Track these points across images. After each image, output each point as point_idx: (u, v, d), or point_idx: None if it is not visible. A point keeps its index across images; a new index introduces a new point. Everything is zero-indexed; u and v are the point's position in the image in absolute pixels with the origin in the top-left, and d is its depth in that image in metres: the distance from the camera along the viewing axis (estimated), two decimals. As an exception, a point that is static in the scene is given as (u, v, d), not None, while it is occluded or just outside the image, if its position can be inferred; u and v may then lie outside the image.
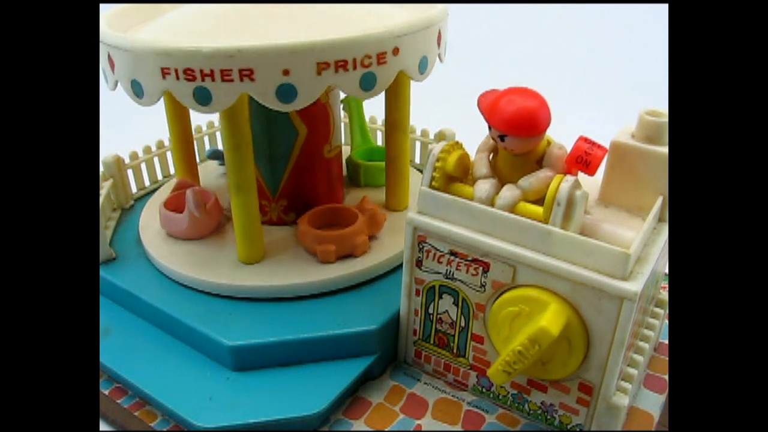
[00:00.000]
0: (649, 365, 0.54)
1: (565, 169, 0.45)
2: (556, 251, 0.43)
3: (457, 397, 0.51)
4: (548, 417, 0.48)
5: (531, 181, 0.45)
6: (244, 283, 0.53)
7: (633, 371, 0.48)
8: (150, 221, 0.62)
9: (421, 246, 0.48)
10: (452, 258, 0.47)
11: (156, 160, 0.68)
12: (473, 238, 0.45)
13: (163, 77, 0.45)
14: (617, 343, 0.43)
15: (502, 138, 0.43)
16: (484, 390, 0.50)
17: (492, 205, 0.45)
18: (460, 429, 0.48)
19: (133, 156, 0.66)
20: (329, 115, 0.60)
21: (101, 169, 0.61)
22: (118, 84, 0.50)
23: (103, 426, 0.49)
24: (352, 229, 0.56)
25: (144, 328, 0.54)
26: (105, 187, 0.60)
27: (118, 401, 0.51)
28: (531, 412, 0.49)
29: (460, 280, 0.47)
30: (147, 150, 0.68)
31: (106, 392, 0.51)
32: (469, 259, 0.46)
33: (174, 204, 0.60)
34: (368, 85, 0.48)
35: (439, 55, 0.54)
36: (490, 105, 0.44)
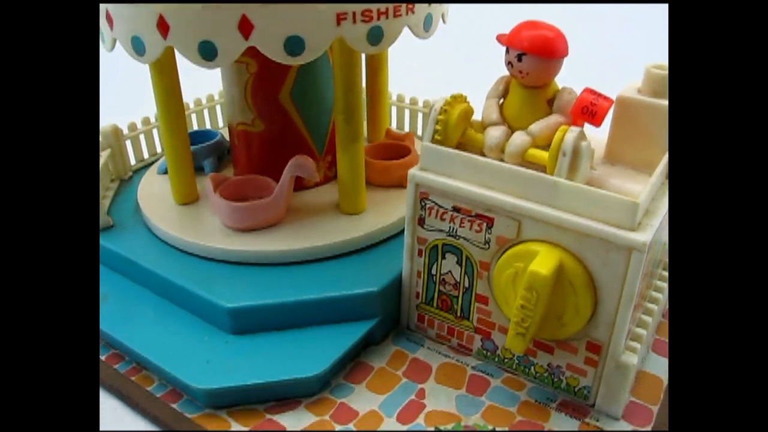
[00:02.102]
0: (658, 330, 0.53)
1: (572, 119, 0.44)
2: (562, 203, 0.42)
3: (462, 362, 0.50)
4: (555, 380, 0.47)
5: (541, 126, 0.44)
6: (243, 248, 0.52)
7: (642, 331, 0.46)
8: (149, 189, 0.61)
9: (423, 203, 0.47)
10: (455, 214, 0.46)
11: (155, 132, 0.67)
12: (477, 193, 0.44)
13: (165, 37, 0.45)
14: (626, 297, 0.41)
15: (519, 58, 0.43)
16: (488, 354, 0.49)
17: (502, 151, 0.44)
18: (464, 392, 0.47)
19: (132, 127, 0.65)
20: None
21: (100, 138, 0.61)
22: (117, 43, 0.49)
23: (101, 391, 0.48)
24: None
25: (141, 294, 0.53)
26: (103, 157, 0.59)
27: (115, 366, 0.50)
28: (537, 375, 0.47)
29: (463, 238, 0.46)
30: (146, 122, 0.67)
31: (103, 358, 0.50)
32: (473, 214, 0.45)
33: (233, 193, 0.57)
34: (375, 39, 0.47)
35: (443, 15, 0.53)
36: (510, 31, 0.45)
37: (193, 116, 0.73)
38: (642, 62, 0.47)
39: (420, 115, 0.74)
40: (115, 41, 0.49)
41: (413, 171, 0.46)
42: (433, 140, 0.46)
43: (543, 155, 0.43)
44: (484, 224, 0.45)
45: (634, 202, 0.40)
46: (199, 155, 0.62)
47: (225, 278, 0.51)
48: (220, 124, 0.77)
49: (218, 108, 0.76)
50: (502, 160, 0.45)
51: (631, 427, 0.45)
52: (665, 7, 0.41)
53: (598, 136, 0.48)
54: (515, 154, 0.44)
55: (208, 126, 0.75)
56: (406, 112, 0.75)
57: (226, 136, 0.65)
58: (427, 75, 0.89)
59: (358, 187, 0.56)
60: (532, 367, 0.47)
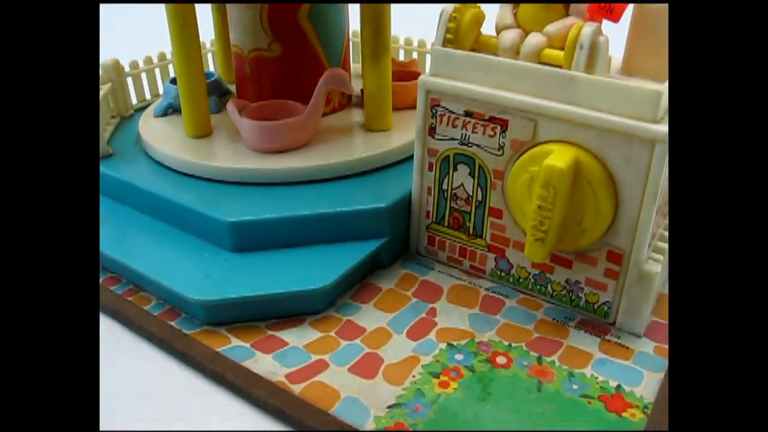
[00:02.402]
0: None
1: (588, 17, 0.42)
2: (580, 98, 0.40)
3: (474, 284, 0.47)
4: (573, 297, 0.44)
5: (557, 27, 0.42)
6: (246, 165, 0.50)
7: (664, 245, 0.44)
8: (151, 123, 0.59)
9: (434, 111, 0.45)
10: (468, 119, 0.44)
11: (157, 72, 0.66)
12: (491, 94, 0.42)
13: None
14: (649, 196, 0.39)
15: None
16: (502, 274, 0.47)
17: (517, 53, 0.42)
18: (477, 311, 0.45)
19: (134, 65, 0.63)
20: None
21: (100, 72, 0.59)
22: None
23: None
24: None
25: (140, 218, 0.51)
26: (103, 89, 0.57)
27: (111, 288, 0.48)
28: (554, 293, 0.45)
29: (476, 145, 0.44)
30: (148, 61, 0.65)
31: (100, 280, 0.48)
32: (486, 118, 0.43)
33: (256, 117, 0.54)
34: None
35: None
36: None
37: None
38: None
39: (415, 54, 0.74)
40: None
41: (423, 77, 0.44)
42: (444, 44, 0.44)
43: (559, 55, 0.41)
44: (498, 128, 0.43)
45: (657, 92, 0.37)
46: None
47: (227, 197, 0.49)
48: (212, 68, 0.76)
49: (210, 55, 0.75)
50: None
51: (653, 345, 0.42)
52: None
53: (615, 46, 0.47)
54: (531, 54, 0.42)
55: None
56: (401, 52, 0.75)
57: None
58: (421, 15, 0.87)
59: (386, 101, 0.55)
60: (549, 285, 0.45)
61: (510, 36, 0.43)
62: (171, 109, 0.60)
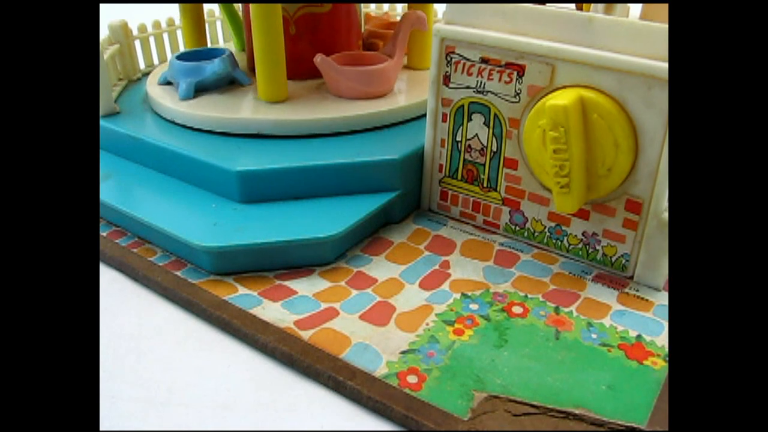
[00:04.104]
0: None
1: (607, -40, 0.41)
2: (599, 40, 0.39)
3: (488, 239, 0.46)
4: (590, 250, 0.43)
5: None
6: (263, 116, 0.50)
7: (685, 197, 0.43)
8: (158, 79, 0.58)
9: (449, 58, 0.44)
10: (483, 66, 0.43)
11: (166, 36, 0.65)
12: (507, 39, 0.41)
13: None
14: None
15: None
16: (517, 228, 0.46)
17: None
18: (492, 264, 0.44)
19: (142, 29, 0.63)
20: None
21: (107, 32, 0.58)
22: None
23: (101, 265, 0.45)
24: None
25: (147, 173, 0.50)
26: (110, 50, 0.57)
27: (116, 241, 0.46)
28: (570, 247, 0.44)
29: (491, 92, 0.43)
30: (156, 25, 0.64)
31: (104, 234, 0.47)
32: (503, 64, 0.42)
33: (357, 60, 0.56)
34: None
35: None
36: None
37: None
38: None
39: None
40: None
41: (438, 25, 0.44)
42: (460, -10, 0.43)
43: None
44: (515, 73, 0.42)
45: (680, 28, 0.37)
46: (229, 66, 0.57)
47: (235, 149, 0.48)
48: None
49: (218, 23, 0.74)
50: None
51: (674, 297, 0.41)
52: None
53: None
54: None
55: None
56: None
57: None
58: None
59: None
60: (566, 239, 0.44)
61: None
62: (169, 84, 0.57)
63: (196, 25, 0.62)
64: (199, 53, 0.58)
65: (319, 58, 0.52)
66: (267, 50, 0.50)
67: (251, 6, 0.49)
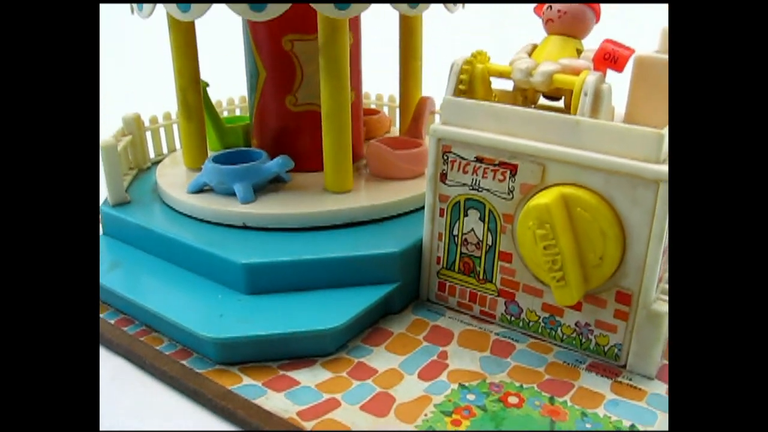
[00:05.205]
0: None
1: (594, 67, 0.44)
2: (586, 142, 0.42)
3: (485, 329, 0.48)
4: (583, 340, 0.45)
5: (570, 60, 0.44)
6: (263, 211, 0.52)
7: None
8: (167, 170, 0.61)
9: (445, 157, 0.46)
10: (478, 165, 0.45)
11: (175, 127, 0.68)
12: (500, 140, 0.44)
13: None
14: (655, 236, 0.40)
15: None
16: (512, 318, 0.47)
17: (531, 75, 0.44)
18: (488, 354, 0.45)
19: (153, 120, 0.66)
20: (294, 66, 0.58)
21: (121, 125, 0.61)
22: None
23: (108, 353, 0.47)
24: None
25: (155, 262, 0.52)
26: (123, 141, 0.59)
27: (124, 329, 0.48)
28: (564, 337, 0.45)
29: (486, 189, 0.45)
30: (167, 116, 0.68)
31: (112, 322, 0.49)
32: (496, 163, 0.44)
33: (399, 145, 0.60)
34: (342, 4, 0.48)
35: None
36: None
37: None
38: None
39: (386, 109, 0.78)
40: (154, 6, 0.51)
41: (435, 126, 0.46)
42: (456, 94, 0.46)
43: (570, 80, 0.43)
44: (508, 172, 0.44)
45: (659, 134, 0.39)
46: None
47: (240, 240, 0.50)
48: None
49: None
50: (527, 92, 0.47)
51: (665, 387, 0.42)
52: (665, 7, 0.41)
53: (617, 100, 0.49)
54: (545, 74, 0.44)
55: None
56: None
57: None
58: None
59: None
60: (559, 329, 0.45)
61: (524, 60, 0.45)
62: (207, 188, 0.56)
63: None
64: (230, 156, 0.58)
65: (376, 145, 0.58)
66: (338, 144, 0.53)
67: (324, 102, 0.52)
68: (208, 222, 0.53)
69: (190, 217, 0.54)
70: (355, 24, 0.59)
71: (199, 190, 0.56)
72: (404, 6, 0.51)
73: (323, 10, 0.48)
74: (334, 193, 0.55)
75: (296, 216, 0.51)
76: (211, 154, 0.58)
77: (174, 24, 0.55)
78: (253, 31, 0.58)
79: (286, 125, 0.60)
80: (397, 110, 0.78)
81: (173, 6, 0.48)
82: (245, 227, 0.52)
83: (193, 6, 0.48)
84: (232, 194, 0.54)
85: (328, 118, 0.53)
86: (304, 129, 0.60)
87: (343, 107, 0.53)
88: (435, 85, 0.72)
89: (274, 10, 0.47)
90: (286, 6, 0.47)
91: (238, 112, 0.77)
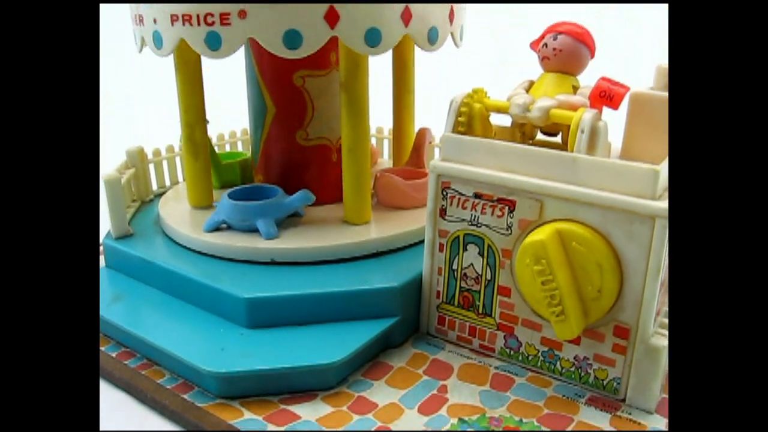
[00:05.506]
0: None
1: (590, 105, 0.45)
2: (583, 178, 0.42)
3: (484, 363, 0.48)
4: (582, 374, 0.45)
5: (567, 97, 0.45)
6: (290, 246, 0.52)
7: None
8: (170, 202, 0.62)
9: (445, 193, 0.47)
10: (477, 201, 0.46)
11: (177, 160, 0.69)
12: (499, 176, 0.45)
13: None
14: (652, 271, 0.41)
15: (555, 37, 0.47)
16: (512, 352, 0.47)
17: (528, 110, 0.45)
18: (488, 388, 0.45)
19: (156, 153, 0.67)
20: (305, 102, 0.60)
21: (124, 158, 0.62)
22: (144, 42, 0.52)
23: (109, 386, 0.47)
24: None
25: (157, 295, 0.52)
26: (127, 174, 0.60)
27: (125, 362, 0.48)
28: (563, 371, 0.46)
29: (485, 225, 0.46)
30: (170, 149, 0.69)
31: (114, 355, 0.49)
32: (495, 199, 0.45)
33: (406, 175, 0.62)
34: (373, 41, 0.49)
35: (452, 34, 0.56)
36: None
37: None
38: (641, 65, 0.49)
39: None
40: (177, 41, 0.50)
41: (435, 162, 0.47)
42: (455, 131, 0.47)
43: (566, 115, 0.44)
44: (506, 208, 0.45)
45: (655, 170, 0.40)
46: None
47: (242, 274, 0.50)
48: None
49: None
50: (525, 127, 0.48)
51: (665, 420, 0.42)
52: (665, 7, 0.41)
53: (613, 136, 0.49)
54: (542, 109, 0.45)
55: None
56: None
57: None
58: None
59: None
60: (558, 363, 0.46)
61: (522, 96, 0.46)
62: (225, 225, 0.56)
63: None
64: (245, 192, 0.58)
65: (389, 177, 0.60)
66: (359, 177, 0.55)
67: (345, 137, 0.54)
68: (220, 258, 0.53)
69: (191, 250, 0.55)
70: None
71: (216, 228, 0.55)
72: (425, 43, 0.53)
73: (355, 47, 0.49)
74: (354, 224, 0.56)
75: (325, 249, 0.52)
76: (224, 192, 0.58)
77: (181, 61, 0.55)
78: (261, 68, 0.59)
79: (295, 159, 0.61)
80: (386, 141, 0.81)
81: (201, 44, 0.48)
82: (259, 263, 0.52)
83: (224, 44, 0.48)
84: (251, 231, 0.54)
85: (351, 152, 0.54)
86: (313, 163, 0.61)
87: (364, 141, 0.54)
88: (425, 115, 0.74)
89: (308, 48, 0.48)
90: (322, 43, 0.48)
91: (239, 146, 0.78)
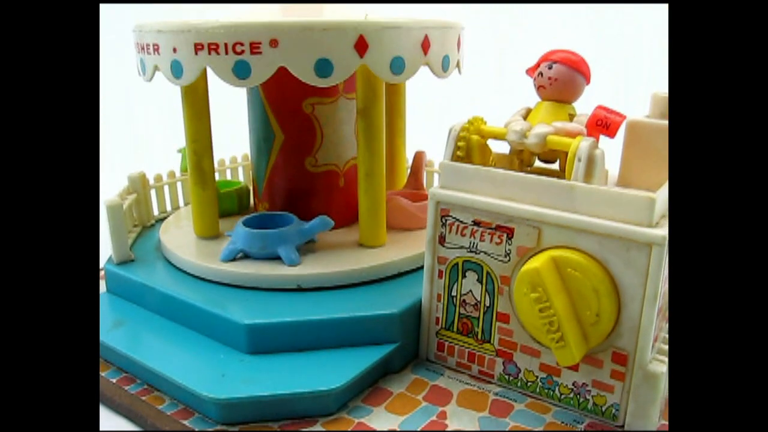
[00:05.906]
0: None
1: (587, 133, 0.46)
2: (580, 206, 0.43)
3: (483, 389, 0.48)
4: (581, 400, 0.45)
5: (564, 124, 0.46)
6: (315, 271, 0.53)
7: (667, 347, 0.45)
8: (170, 228, 0.62)
9: (444, 220, 0.47)
10: (476, 228, 0.46)
11: (179, 185, 0.70)
12: (497, 204, 0.45)
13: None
14: (649, 297, 0.41)
15: (550, 66, 0.48)
16: (511, 378, 0.48)
17: (525, 136, 0.45)
18: (487, 415, 0.45)
19: (158, 178, 0.67)
20: (314, 129, 0.61)
21: (126, 183, 0.63)
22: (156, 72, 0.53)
23: (110, 412, 0.47)
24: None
25: (158, 320, 0.53)
26: (129, 199, 0.61)
27: (126, 388, 0.48)
28: (562, 397, 0.46)
29: (484, 252, 0.46)
30: (171, 175, 0.69)
31: (114, 381, 0.49)
32: (493, 227, 0.46)
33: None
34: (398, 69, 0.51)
35: (458, 62, 0.57)
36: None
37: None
38: (641, 65, 0.50)
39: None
40: (203, 70, 0.50)
41: (434, 189, 0.48)
42: (454, 158, 0.48)
43: (564, 141, 0.45)
44: (505, 235, 0.45)
45: (651, 198, 0.41)
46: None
47: (242, 300, 0.51)
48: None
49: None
50: (522, 154, 0.49)
51: (663, 448, 0.43)
52: (665, 7, 0.42)
53: (610, 164, 0.50)
54: (539, 135, 0.45)
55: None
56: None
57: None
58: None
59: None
60: (557, 389, 0.46)
61: (519, 123, 0.47)
62: (241, 255, 0.56)
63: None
64: (258, 220, 0.58)
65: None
66: (375, 202, 0.56)
67: (363, 162, 0.55)
68: (208, 280, 0.54)
69: (191, 275, 0.55)
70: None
71: (234, 258, 0.55)
72: (440, 70, 0.54)
73: (381, 75, 0.50)
74: (369, 247, 0.57)
75: (349, 273, 0.53)
76: (237, 220, 0.58)
77: (189, 89, 0.55)
78: (268, 95, 0.60)
79: (303, 186, 0.62)
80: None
81: (228, 73, 0.48)
82: (246, 288, 0.53)
83: (254, 73, 0.48)
84: (270, 259, 0.55)
85: (368, 176, 0.55)
86: (322, 189, 0.62)
87: (381, 166, 0.55)
88: (416, 139, 0.75)
89: (338, 77, 0.49)
90: (351, 71, 0.49)
91: (240, 171, 0.79)
